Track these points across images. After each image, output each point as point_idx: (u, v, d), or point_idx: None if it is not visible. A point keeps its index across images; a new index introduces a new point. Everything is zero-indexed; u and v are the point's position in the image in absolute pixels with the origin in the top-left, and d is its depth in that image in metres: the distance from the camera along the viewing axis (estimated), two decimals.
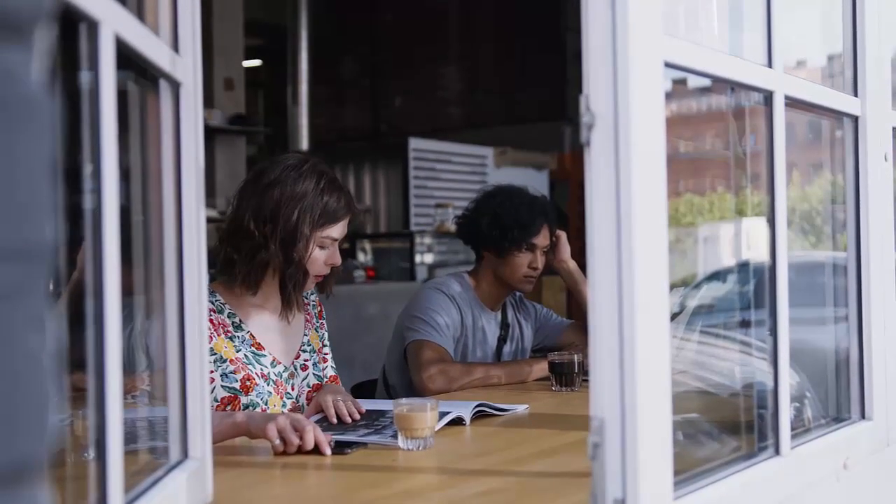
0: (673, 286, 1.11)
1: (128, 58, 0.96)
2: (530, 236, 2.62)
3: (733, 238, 1.84)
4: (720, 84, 1.41)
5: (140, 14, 1.04)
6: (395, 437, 1.67)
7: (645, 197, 1.01)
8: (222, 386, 1.94)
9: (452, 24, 8.98)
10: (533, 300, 2.94)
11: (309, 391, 2.10)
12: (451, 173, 7.34)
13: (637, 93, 1.00)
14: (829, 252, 1.79)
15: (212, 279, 2.04)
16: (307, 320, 2.16)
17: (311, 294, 2.19)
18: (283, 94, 7.70)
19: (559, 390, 2.35)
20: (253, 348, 2.01)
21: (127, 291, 0.90)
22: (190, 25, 1.19)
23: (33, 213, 0.54)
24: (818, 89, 1.55)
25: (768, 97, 1.34)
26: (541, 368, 2.51)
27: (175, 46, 1.16)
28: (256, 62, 9.30)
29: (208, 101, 6.57)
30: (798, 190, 1.83)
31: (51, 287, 0.58)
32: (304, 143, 7.50)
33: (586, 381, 2.31)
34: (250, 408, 1.94)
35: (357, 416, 1.88)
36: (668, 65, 1.08)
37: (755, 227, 1.53)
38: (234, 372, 1.95)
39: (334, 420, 1.85)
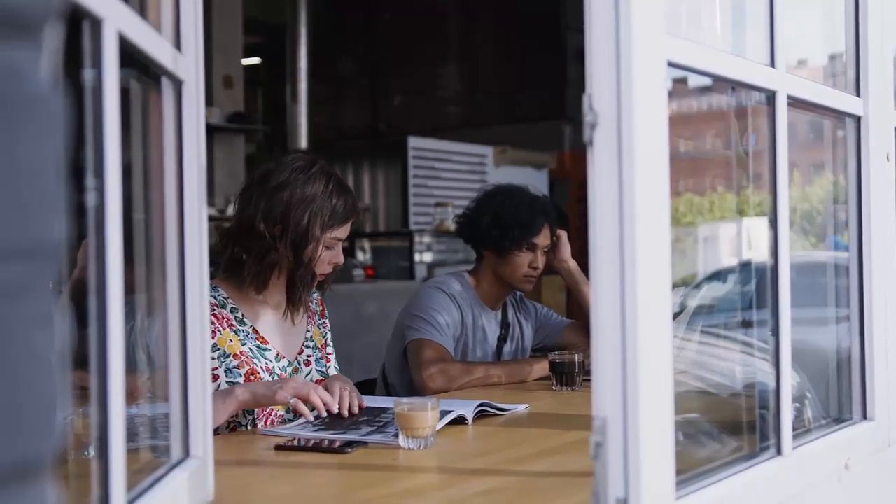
0: (673, 286, 1.10)
1: (130, 55, 0.96)
2: (531, 236, 2.62)
3: (734, 238, 1.84)
4: (721, 83, 1.41)
5: (143, 12, 1.04)
6: (396, 436, 1.67)
7: (647, 196, 1.01)
8: (227, 381, 1.95)
9: (452, 23, 8.98)
10: (533, 299, 2.94)
11: None
12: (450, 172, 7.33)
13: (640, 92, 1.00)
14: (830, 252, 1.79)
15: (211, 276, 2.04)
16: (309, 317, 2.18)
17: (313, 293, 2.20)
18: (283, 92, 7.69)
19: (560, 390, 2.35)
20: (258, 342, 2.03)
21: (128, 289, 0.90)
22: (192, 23, 1.19)
23: (41, 212, 0.53)
24: (820, 89, 1.55)
25: (771, 97, 1.34)
26: (541, 368, 2.51)
27: (177, 44, 1.16)
28: (255, 60, 9.30)
29: (207, 100, 6.53)
30: (799, 190, 1.83)
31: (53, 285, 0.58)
32: (304, 142, 7.50)
33: (587, 380, 2.31)
34: None
35: (356, 411, 1.90)
36: (670, 64, 1.07)
37: (756, 227, 1.53)
38: (237, 367, 1.97)
39: (335, 409, 1.86)
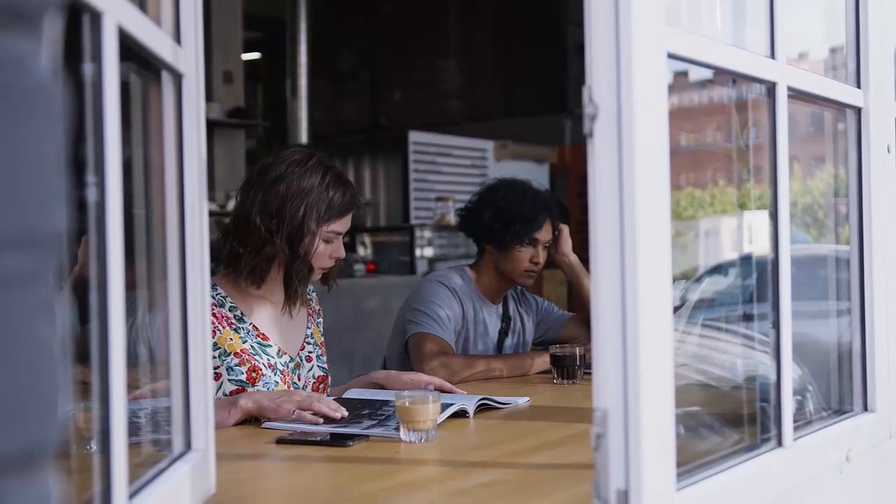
0: (674, 279, 1.10)
1: (130, 49, 0.96)
2: (532, 231, 2.62)
3: (735, 231, 1.84)
4: (722, 76, 1.41)
5: (142, 5, 1.03)
6: (397, 429, 1.67)
7: (647, 188, 1.01)
8: (229, 380, 1.95)
9: (452, 17, 8.97)
10: (534, 293, 2.94)
11: (314, 382, 2.12)
12: (451, 167, 7.33)
13: (640, 84, 1.00)
14: (831, 245, 1.79)
15: (212, 273, 2.05)
16: (309, 315, 2.18)
17: (312, 290, 2.20)
18: (283, 87, 7.69)
19: (561, 383, 2.35)
20: (258, 339, 2.03)
21: (129, 284, 0.90)
22: (192, 17, 1.19)
23: (43, 202, 0.54)
24: (821, 80, 1.55)
25: (771, 88, 1.34)
26: (542, 361, 2.51)
27: (177, 38, 1.16)
28: (256, 55, 9.29)
29: (207, 95, 6.53)
30: (800, 183, 1.83)
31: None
32: (304, 137, 7.50)
33: (588, 373, 2.31)
34: None
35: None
36: (670, 56, 1.07)
37: (757, 221, 1.53)
38: (238, 364, 1.97)
39: (338, 416, 1.84)
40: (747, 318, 1.66)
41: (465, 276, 2.69)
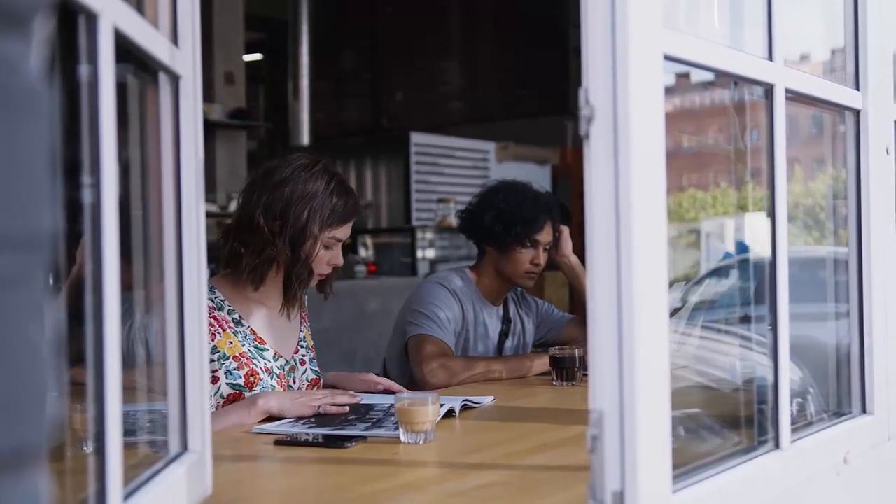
0: (675, 281, 1.10)
1: (127, 50, 0.96)
2: (533, 232, 2.62)
3: (735, 233, 1.84)
4: (723, 78, 1.40)
5: (139, 6, 1.04)
6: (396, 430, 1.67)
7: (644, 190, 1.01)
8: (227, 384, 1.96)
9: (454, 18, 8.97)
10: (534, 295, 2.94)
11: (308, 385, 2.13)
12: (452, 168, 7.34)
13: (636, 86, 1.00)
14: (830, 247, 1.79)
15: (211, 274, 2.06)
16: (303, 318, 2.19)
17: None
18: (284, 88, 7.70)
19: (560, 385, 2.35)
20: (255, 343, 2.03)
21: (126, 286, 0.90)
22: (189, 18, 1.19)
23: (33, 203, 0.54)
24: (819, 82, 1.55)
25: (769, 90, 1.34)
26: (541, 363, 2.51)
27: (174, 39, 1.16)
28: (257, 56, 9.30)
29: (208, 96, 6.57)
30: (800, 185, 1.82)
31: (51, 282, 0.58)
32: (305, 138, 7.50)
33: (587, 375, 2.31)
34: None
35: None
36: (667, 58, 1.07)
37: (757, 223, 1.53)
38: (237, 368, 1.98)
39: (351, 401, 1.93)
40: (746, 319, 1.66)
41: (465, 277, 2.69)
